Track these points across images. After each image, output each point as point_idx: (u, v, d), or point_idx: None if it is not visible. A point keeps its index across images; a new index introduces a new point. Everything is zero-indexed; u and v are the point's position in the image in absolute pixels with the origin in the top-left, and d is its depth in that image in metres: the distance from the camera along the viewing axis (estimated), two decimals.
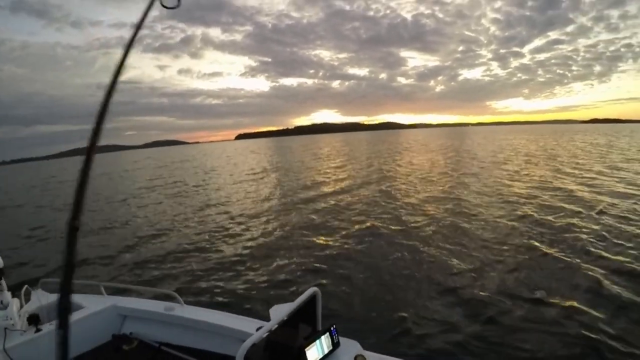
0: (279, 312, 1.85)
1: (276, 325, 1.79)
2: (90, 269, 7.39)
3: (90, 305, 2.79)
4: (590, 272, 5.79)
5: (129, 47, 1.41)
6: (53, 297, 2.90)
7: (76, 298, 2.89)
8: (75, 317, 2.59)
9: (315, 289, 2.03)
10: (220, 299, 5.77)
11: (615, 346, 3.95)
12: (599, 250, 6.72)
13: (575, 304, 4.90)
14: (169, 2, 1.61)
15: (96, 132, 1.28)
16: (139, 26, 1.50)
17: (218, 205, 13.83)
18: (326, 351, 1.94)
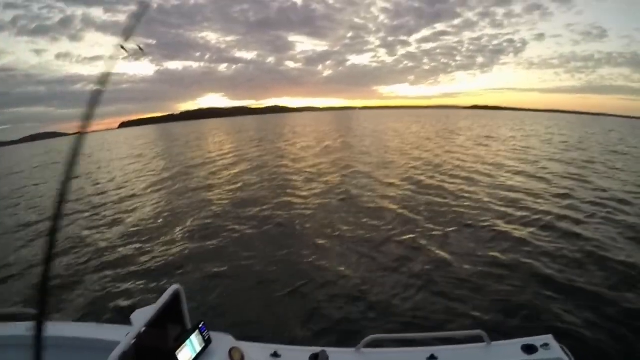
0: (142, 316, 1.77)
1: (144, 329, 1.72)
2: None
3: None
4: None
5: None
6: None
7: None
8: None
9: (177, 286, 1.97)
10: (84, 309, 5.32)
11: None
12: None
13: None
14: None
15: None
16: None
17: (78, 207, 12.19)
18: (198, 350, 1.90)
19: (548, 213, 8.37)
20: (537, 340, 2.12)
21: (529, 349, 2.06)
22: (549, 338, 2.13)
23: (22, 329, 2.52)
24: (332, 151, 22.04)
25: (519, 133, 34.02)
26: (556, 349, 2.06)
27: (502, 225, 7.63)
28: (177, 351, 1.78)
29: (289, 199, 10.78)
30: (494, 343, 2.15)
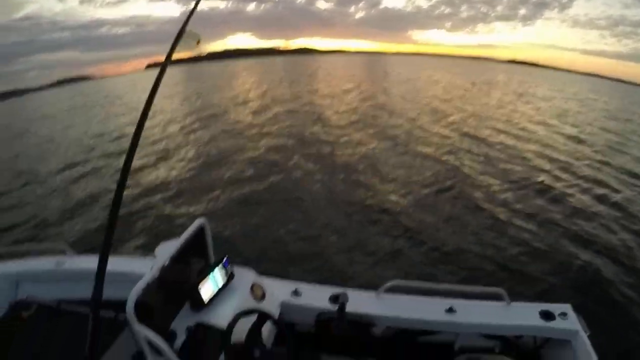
0: (166, 249, 1.78)
1: (167, 262, 1.74)
2: None
3: None
4: None
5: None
6: None
7: None
8: None
9: (202, 220, 1.99)
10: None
11: None
12: None
13: None
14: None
15: None
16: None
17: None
18: (221, 284, 1.95)
19: (589, 178, 8.18)
20: (555, 307, 2.10)
21: (547, 315, 2.04)
22: (567, 307, 2.11)
23: (53, 263, 2.64)
24: (370, 95, 21.70)
25: (559, 94, 32.07)
26: (573, 319, 2.04)
27: (542, 183, 7.53)
28: (200, 285, 1.83)
29: (328, 139, 10.92)
30: (513, 303, 2.14)
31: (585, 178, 8.22)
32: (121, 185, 1.00)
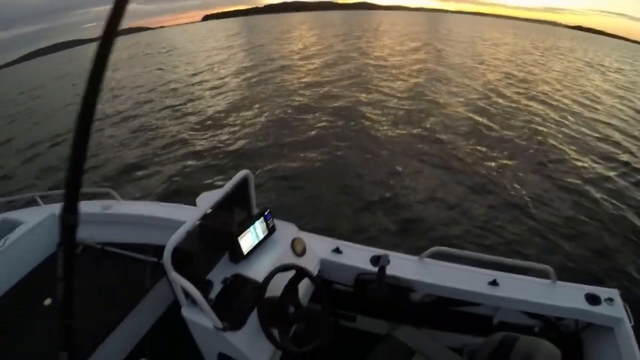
0: (209, 198, 1.77)
1: (210, 211, 1.73)
2: (23, 182, 7.02)
3: (30, 219, 2.64)
4: None
5: None
6: None
7: (14, 215, 2.80)
8: (17, 234, 2.50)
9: (246, 171, 1.94)
10: (156, 189, 5.77)
11: None
12: None
13: None
14: None
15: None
16: None
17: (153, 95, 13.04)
18: (261, 237, 1.95)
19: None
20: (603, 292, 1.95)
21: (593, 299, 1.90)
22: (614, 293, 1.94)
23: (99, 207, 2.77)
24: (438, 55, 20.98)
25: (629, 66, 28.48)
26: (619, 306, 1.88)
27: (627, 165, 6.94)
28: (240, 236, 1.84)
29: (402, 96, 10.73)
30: (559, 282, 2.00)
31: None
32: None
